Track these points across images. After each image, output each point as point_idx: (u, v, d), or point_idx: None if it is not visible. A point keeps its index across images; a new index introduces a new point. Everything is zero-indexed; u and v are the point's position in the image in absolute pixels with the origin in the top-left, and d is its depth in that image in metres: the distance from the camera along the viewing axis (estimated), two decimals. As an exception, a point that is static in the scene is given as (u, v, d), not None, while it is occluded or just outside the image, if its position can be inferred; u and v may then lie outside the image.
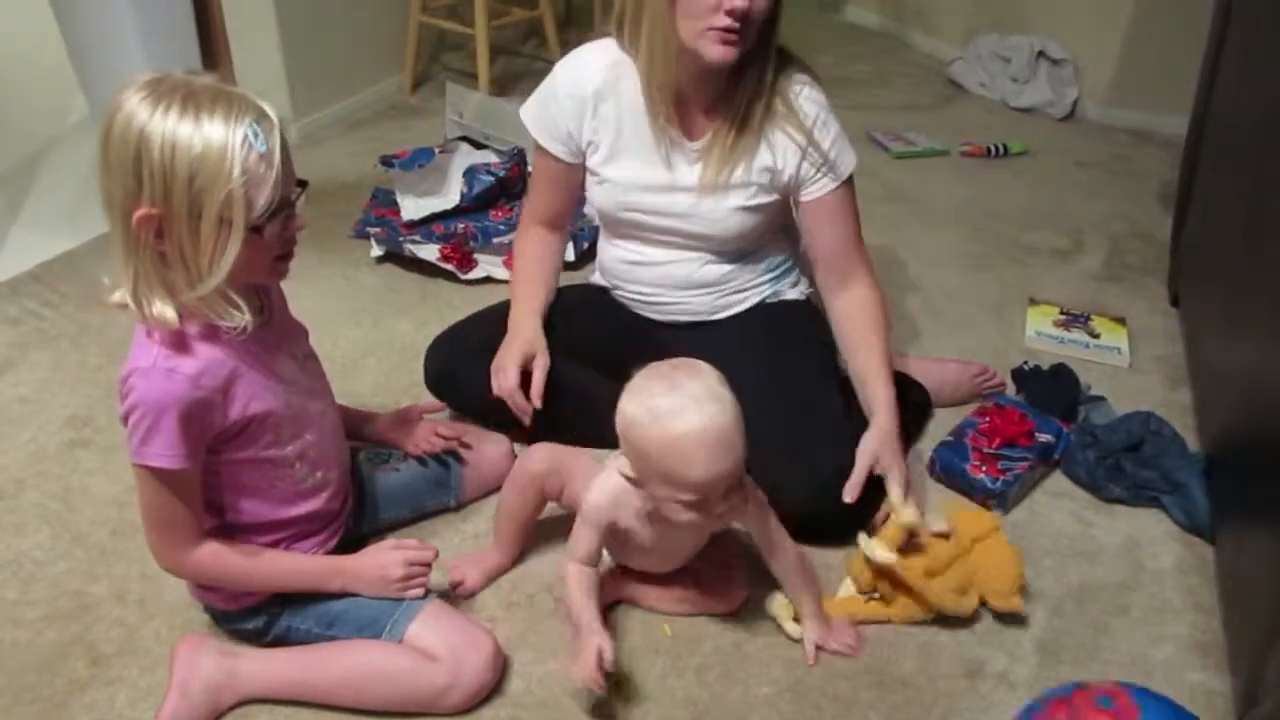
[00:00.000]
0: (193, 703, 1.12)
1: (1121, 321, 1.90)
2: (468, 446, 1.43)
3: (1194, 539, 1.42)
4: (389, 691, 1.14)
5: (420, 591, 1.20)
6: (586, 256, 2.00)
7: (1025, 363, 1.73)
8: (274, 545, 1.19)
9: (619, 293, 1.59)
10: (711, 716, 1.17)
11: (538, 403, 1.43)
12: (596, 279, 1.65)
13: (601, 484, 1.18)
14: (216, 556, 1.12)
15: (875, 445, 1.36)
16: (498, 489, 1.43)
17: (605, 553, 1.27)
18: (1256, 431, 1.30)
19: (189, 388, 1.02)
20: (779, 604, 1.28)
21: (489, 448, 1.47)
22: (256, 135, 0.95)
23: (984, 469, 1.47)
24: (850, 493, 1.34)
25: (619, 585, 1.31)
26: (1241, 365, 1.42)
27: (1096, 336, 1.85)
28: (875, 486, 1.38)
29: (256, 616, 1.19)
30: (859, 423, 1.41)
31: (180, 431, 1.02)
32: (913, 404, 1.59)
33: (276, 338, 1.15)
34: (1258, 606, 1.09)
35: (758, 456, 1.40)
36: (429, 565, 1.21)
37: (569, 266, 1.68)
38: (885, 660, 1.24)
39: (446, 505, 1.44)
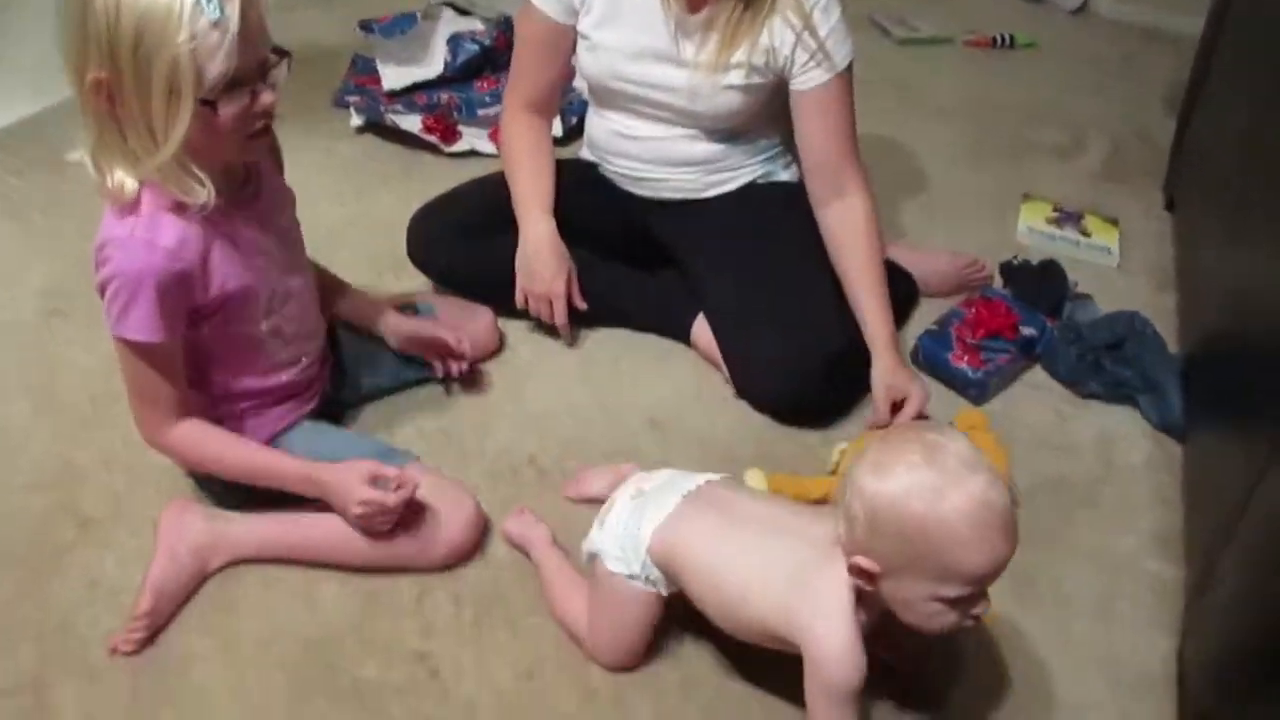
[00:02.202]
0: (180, 565, 1.13)
1: (1114, 222, 1.89)
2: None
3: (1165, 438, 1.45)
4: (372, 549, 1.15)
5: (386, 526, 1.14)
6: (574, 134, 1.94)
7: (1014, 257, 1.72)
8: (249, 411, 1.18)
9: (607, 168, 1.55)
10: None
11: (582, 305, 1.46)
12: (585, 154, 1.61)
13: (828, 617, 0.91)
14: (194, 438, 1.11)
15: (888, 379, 1.36)
16: (482, 360, 1.44)
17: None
18: (1236, 340, 1.32)
19: (167, 260, 0.99)
20: (752, 476, 1.29)
21: (472, 321, 1.46)
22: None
23: (965, 359, 1.48)
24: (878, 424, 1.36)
25: None
26: (1229, 273, 1.42)
27: (1088, 235, 1.84)
28: (858, 371, 1.40)
29: None
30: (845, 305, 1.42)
31: (158, 304, 1.00)
32: (900, 294, 1.58)
33: (262, 212, 1.11)
34: (1218, 505, 1.12)
35: (742, 334, 1.43)
36: (394, 511, 1.13)
37: (556, 142, 1.64)
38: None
39: (428, 377, 1.43)
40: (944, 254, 1.70)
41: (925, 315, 1.61)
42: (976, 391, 1.48)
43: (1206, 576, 1.12)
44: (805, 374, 1.37)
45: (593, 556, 1.07)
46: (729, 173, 1.51)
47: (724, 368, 1.46)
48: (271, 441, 1.20)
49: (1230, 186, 1.48)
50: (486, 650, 1.13)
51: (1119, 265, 1.80)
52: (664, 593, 1.04)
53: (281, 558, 1.18)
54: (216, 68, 0.92)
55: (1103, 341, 1.51)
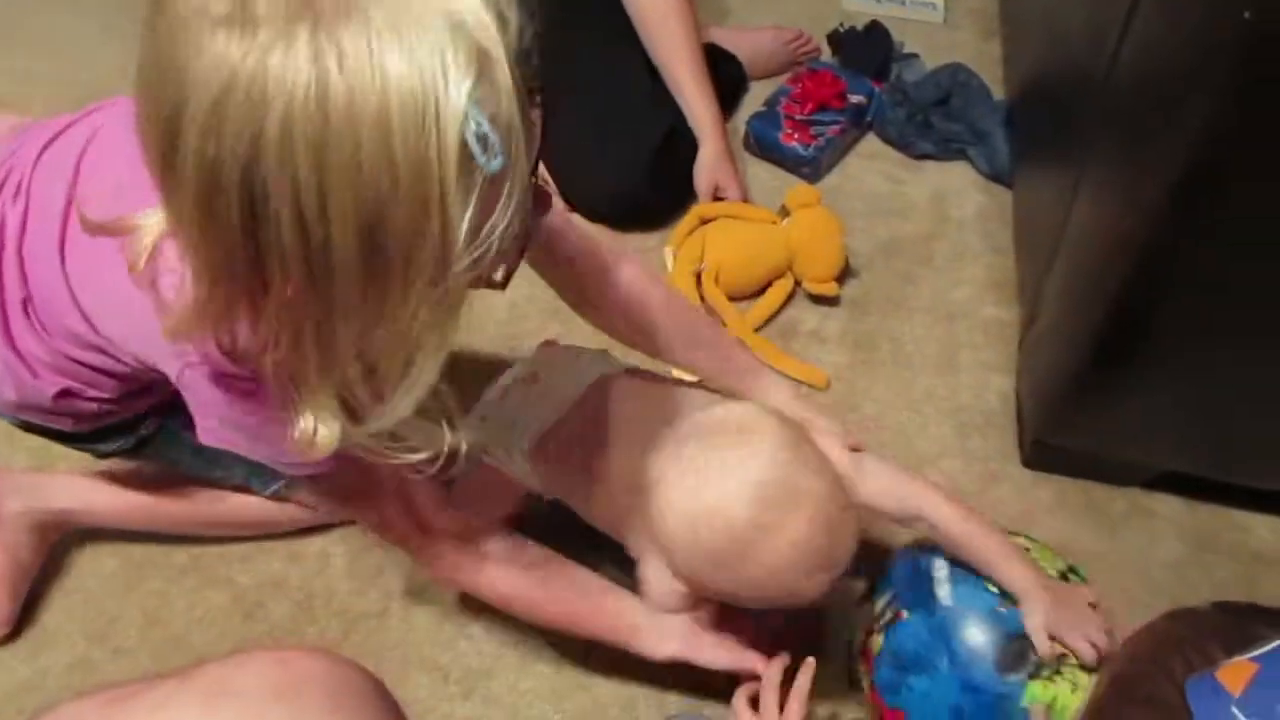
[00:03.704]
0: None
1: (939, -25, 1.83)
2: None
3: (996, 187, 1.45)
4: (251, 530, 1.05)
5: None
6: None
7: (841, 25, 1.66)
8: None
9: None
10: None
11: None
12: None
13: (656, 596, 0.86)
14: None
15: (710, 174, 1.32)
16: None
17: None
18: (1051, 74, 1.31)
19: None
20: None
21: None
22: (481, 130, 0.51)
23: (796, 136, 1.45)
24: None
25: None
26: (1041, 10, 1.40)
27: (913, -8, 1.79)
28: (685, 160, 1.36)
29: (124, 435, 0.94)
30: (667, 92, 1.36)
31: None
32: (726, 78, 1.52)
33: None
34: (1042, 237, 1.13)
35: (561, 146, 1.35)
36: None
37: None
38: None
39: None
40: (768, 31, 1.63)
41: (756, 98, 1.56)
42: (810, 169, 1.45)
43: (1033, 312, 1.15)
44: (634, 175, 1.32)
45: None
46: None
47: (549, 181, 1.39)
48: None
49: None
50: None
51: (945, 20, 1.76)
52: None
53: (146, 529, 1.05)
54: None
55: (930, 99, 1.49)
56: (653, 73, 1.37)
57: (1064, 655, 0.79)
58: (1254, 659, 0.64)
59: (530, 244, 0.67)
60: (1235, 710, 0.61)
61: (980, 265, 1.35)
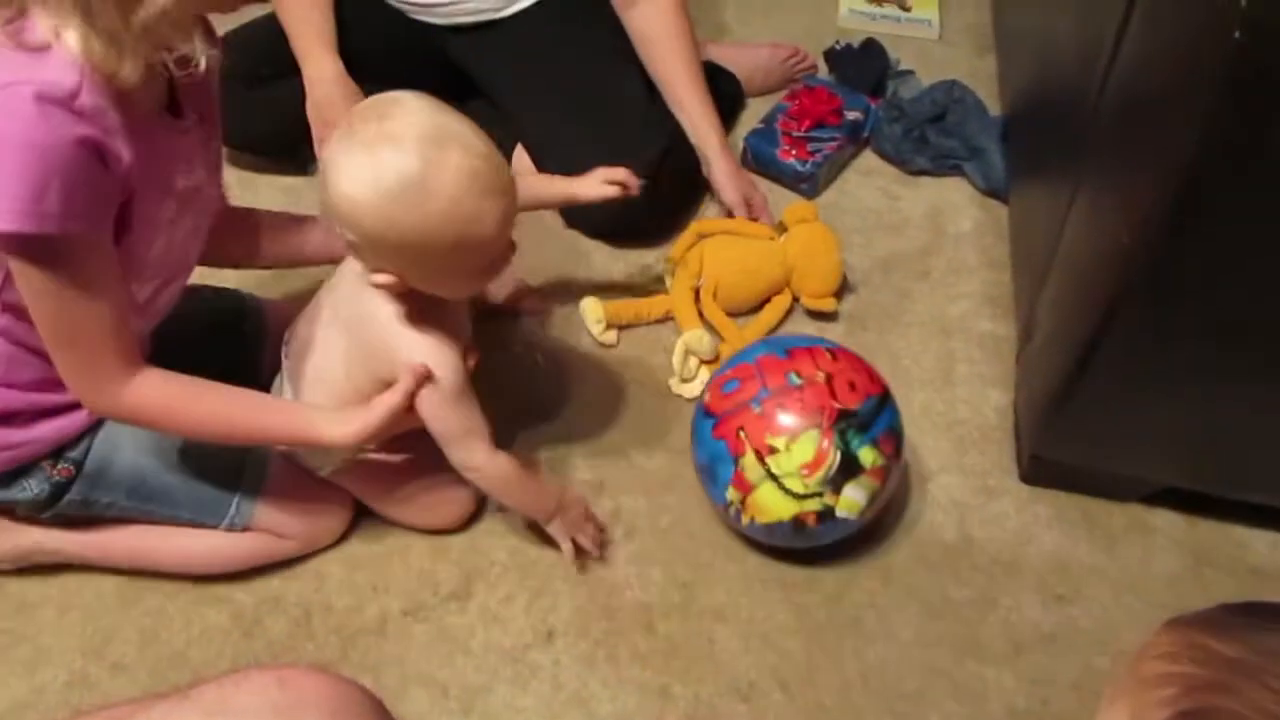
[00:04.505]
0: None
1: (934, -8, 1.85)
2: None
3: (992, 202, 1.46)
4: (230, 569, 1.04)
5: None
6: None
7: (837, 42, 1.67)
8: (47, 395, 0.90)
9: (395, -1, 1.42)
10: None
11: None
12: None
13: (402, 342, 0.90)
14: (167, 392, 0.85)
15: (736, 186, 1.35)
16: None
17: None
18: (1045, 91, 1.32)
19: (89, 126, 0.71)
20: (589, 306, 1.26)
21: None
22: None
23: (794, 153, 1.45)
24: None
25: None
26: (1035, 26, 1.42)
27: (908, 10, 1.80)
28: (681, 177, 1.36)
29: (32, 480, 0.93)
30: (664, 108, 1.37)
31: (86, 182, 0.73)
32: (724, 95, 1.53)
33: (187, 148, 0.86)
34: (1037, 252, 1.14)
35: (562, 163, 1.36)
36: None
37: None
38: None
39: None
40: (764, 47, 1.64)
41: (753, 115, 1.57)
42: (808, 185, 1.46)
43: (1029, 327, 1.15)
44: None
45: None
46: (526, -15, 1.40)
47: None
48: (80, 438, 0.93)
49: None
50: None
51: (940, 36, 1.77)
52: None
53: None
54: None
55: (926, 115, 1.50)
56: (649, 90, 1.37)
57: None
58: None
59: None
60: None
61: (976, 280, 1.36)
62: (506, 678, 0.99)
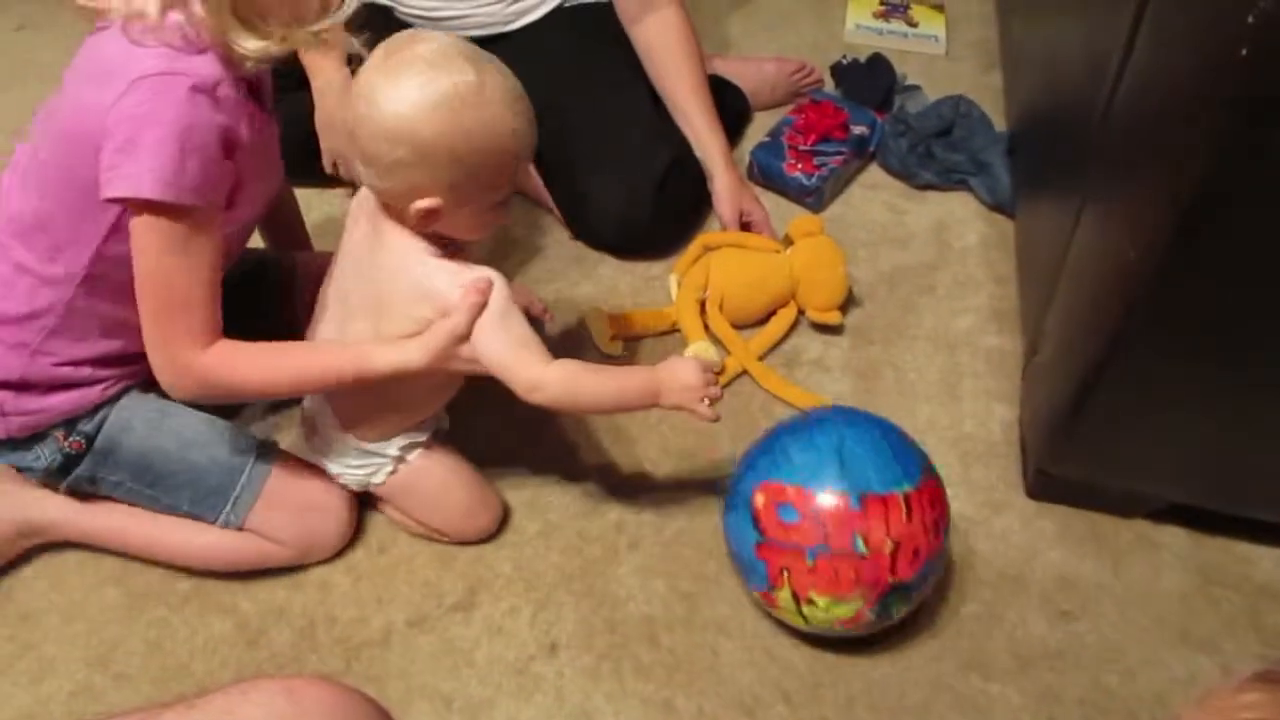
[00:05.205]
0: None
1: (940, 8, 1.86)
2: None
3: (998, 217, 1.47)
4: (225, 569, 1.05)
5: None
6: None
7: (844, 57, 1.68)
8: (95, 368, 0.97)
9: (401, 10, 1.43)
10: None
11: None
12: None
13: (450, 272, 0.91)
14: (241, 358, 0.89)
15: (733, 196, 1.35)
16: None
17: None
18: (1051, 106, 1.32)
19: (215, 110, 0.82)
20: (595, 317, 1.27)
21: None
22: None
23: (800, 166, 1.46)
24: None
25: None
26: (1041, 42, 1.42)
27: (915, 25, 1.81)
28: (688, 190, 1.37)
29: (45, 448, 0.98)
30: (670, 121, 1.37)
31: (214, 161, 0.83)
32: (730, 109, 1.53)
33: (272, 135, 0.96)
34: (1043, 267, 1.14)
35: (570, 177, 1.37)
36: None
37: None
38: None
39: None
40: (771, 61, 1.65)
41: (759, 129, 1.57)
42: (814, 199, 1.46)
43: (1035, 342, 1.15)
44: (639, 204, 1.33)
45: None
46: (532, -1, 1.41)
47: (555, 211, 1.41)
48: (95, 411, 0.98)
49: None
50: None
51: (947, 52, 1.77)
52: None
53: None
54: None
55: (931, 129, 1.50)
56: (655, 103, 1.38)
57: None
58: None
59: None
60: None
61: (982, 295, 1.36)
62: (510, 690, 0.99)
